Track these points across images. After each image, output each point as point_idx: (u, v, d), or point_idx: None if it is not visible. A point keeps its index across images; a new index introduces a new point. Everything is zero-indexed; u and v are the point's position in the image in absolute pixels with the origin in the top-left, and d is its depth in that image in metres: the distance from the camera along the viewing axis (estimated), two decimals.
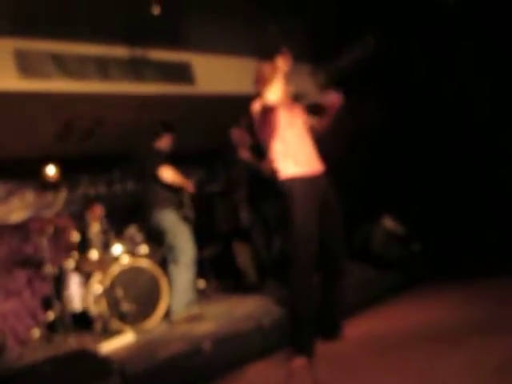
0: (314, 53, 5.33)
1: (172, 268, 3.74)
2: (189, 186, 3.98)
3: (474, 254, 3.87)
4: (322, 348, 2.66)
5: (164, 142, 4.03)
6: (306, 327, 2.58)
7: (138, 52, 4.32)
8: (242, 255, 5.25)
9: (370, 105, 5.10)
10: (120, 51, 4.29)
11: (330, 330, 2.82)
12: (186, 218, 4.09)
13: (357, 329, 3.02)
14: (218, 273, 5.28)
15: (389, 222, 4.59)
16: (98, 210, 4.67)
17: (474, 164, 4.25)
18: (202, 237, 4.24)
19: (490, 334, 2.38)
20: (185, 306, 3.61)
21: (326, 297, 2.82)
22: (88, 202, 4.92)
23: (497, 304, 2.89)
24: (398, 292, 3.73)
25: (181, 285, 3.67)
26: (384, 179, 5.07)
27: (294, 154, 2.75)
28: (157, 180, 3.79)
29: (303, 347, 2.55)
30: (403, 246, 4.44)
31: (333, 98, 2.90)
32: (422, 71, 4.60)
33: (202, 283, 5.09)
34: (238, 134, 4.35)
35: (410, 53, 4.70)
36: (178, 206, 4.03)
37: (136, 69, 4.35)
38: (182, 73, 4.68)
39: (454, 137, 4.39)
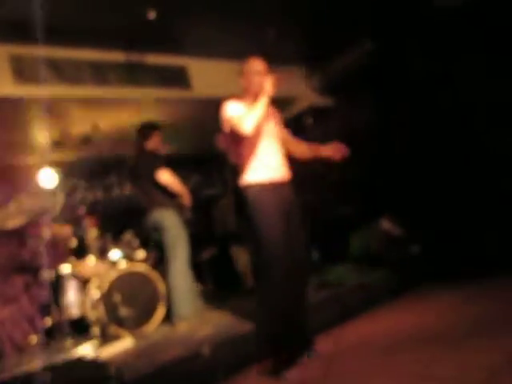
0: (310, 55, 5.34)
1: (170, 272, 3.73)
2: (186, 196, 3.91)
3: (472, 256, 3.87)
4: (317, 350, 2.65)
5: (154, 142, 3.98)
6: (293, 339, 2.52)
7: (134, 57, 4.32)
8: (240, 259, 5.25)
9: (367, 107, 5.11)
10: (116, 56, 4.29)
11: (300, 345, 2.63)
12: (185, 222, 4.07)
13: (354, 331, 3.02)
14: (215, 276, 5.27)
15: (386, 224, 4.61)
16: (92, 221, 4.61)
17: (472, 166, 4.26)
18: (199, 240, 4.22)
19: (488, 336, 2.38)
20: (183, 310, 3.60)
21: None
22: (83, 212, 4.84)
23: (495, 306, 2.90)
24: (395, 294, 3.73)
25: (179, 289, 3.66)
26: (382, 181, 5.08)
27: (261, 159, 2.65)
28: (154, 182, 3.76)
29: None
30: (401, 247, 4.45)
31: (336, 150, 2.91)
32: (420, 74, 4.62)
33: (199, 287, 5.08)
34: (224, 140, 4.32)
35: (407, 55, 4.72)
36: (178, 209, 4.01)
37: (132, 73, 4.34)
38: (177, 77, 4.68)
39: (452, 139, 4.40)
